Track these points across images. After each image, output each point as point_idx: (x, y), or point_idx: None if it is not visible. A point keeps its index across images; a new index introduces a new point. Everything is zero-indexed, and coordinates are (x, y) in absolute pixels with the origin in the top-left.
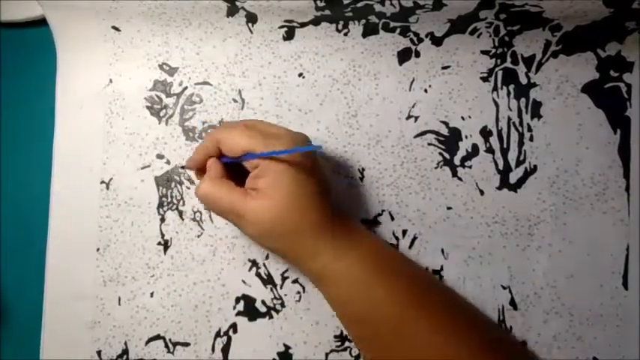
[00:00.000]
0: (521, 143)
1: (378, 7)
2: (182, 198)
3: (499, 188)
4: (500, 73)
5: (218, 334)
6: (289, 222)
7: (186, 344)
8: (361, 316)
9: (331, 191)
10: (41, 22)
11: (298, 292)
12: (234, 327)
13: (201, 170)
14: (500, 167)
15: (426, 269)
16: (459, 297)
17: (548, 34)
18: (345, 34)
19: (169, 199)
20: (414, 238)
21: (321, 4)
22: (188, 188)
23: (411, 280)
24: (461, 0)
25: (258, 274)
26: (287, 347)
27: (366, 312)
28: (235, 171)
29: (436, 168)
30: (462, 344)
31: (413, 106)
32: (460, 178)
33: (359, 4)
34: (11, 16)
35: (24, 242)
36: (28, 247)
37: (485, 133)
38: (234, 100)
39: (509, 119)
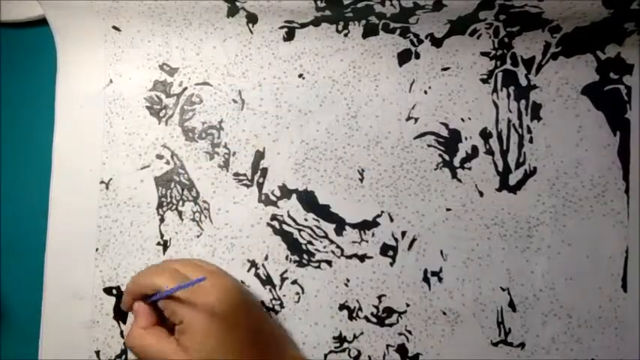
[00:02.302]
0: (520, 145)
1: (378, 8)
2: (181, 198)
3: (499, 190)
4: (500, 75)
5: None
6: None
7: None
8: None
9: (264, 321)
10: (41, 22)
11: (297, 293)
12: None
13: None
14: (500, 169)
15: (425, 271)
16: None
17: (548, 36)
18: (345, 35)
19: (169, 200)
20: (413, 240)
21: (322, 5)
22: (189, 190)
23: None
24: (461, 0)
25: (257, 275)
26: None
27: None
28: None
29: (435, 169)
30: None
31: (413, 108)
32: (459, 180)
33: (359, 5)
34: (11, 16)
35: (23, 242)
36: (26, 246)
37: (485, 134)
38: (234, 101)
39: (509, 121)
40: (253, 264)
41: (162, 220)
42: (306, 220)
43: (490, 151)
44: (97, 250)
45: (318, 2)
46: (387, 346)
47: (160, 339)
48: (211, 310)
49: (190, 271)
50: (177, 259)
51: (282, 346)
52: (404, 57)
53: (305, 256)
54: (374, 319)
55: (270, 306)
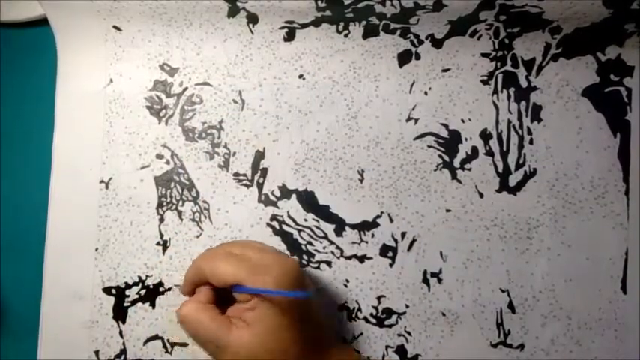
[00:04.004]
0: (520, 146)
1: (378, 8)
2: (181, 198)
3: (498, 191)
4: (500, 76)
5: None
6: None
7: (184, 344)
8: None
9: (321, 309)
10: (41, 22)
11: None
12: None
13: None
14: (500, 170)
15: (425, 272)
16: None
17: (548, 37)
18: (346, 36)
19: (168, 200)
20: (413, 241)
21: (322, 5)
22: (189, 190)
23: None
24: (461, 0)
25: None
26: None
27: None
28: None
29: (435, 170)
30: None
31: (413, 109)
32: (459, 181)
33: (360, 5)
34: (11, 16)
35: (22, 241)
36: (26, 245)
37: (485, 135)
38: (234, 101)
39: (509, 122)
40: None
41: (161, 220)
42: (305, 220)
43: (490, 153)
44: (96, 249)
45: (319, 2)
46: (387, 346)
47: (214, 316)
48: (280, 285)
49: (249, 252)
50: (237, 241)
51: (334, 336)
52: (404, 58)
53: (305, 257)
54: (373, 320)
55: None
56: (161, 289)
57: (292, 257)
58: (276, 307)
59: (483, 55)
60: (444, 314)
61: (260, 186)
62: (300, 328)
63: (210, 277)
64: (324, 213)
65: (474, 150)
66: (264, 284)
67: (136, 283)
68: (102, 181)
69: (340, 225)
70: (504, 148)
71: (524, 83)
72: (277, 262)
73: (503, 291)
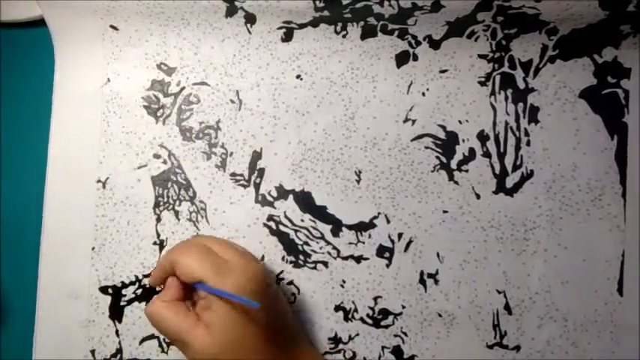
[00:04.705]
0: (518, 148)
1: (376, 8)
2: (178, 198)
3: (495, 192)
4: (498, 78)
5: None
6: None
7: None
8: None
9: (286, 314)
10: (41, 22)
11: (293, 294)
12: None
13: None
14: (497, 171)
15: (421, 273)
16: None
17: (545, 38)
18: (344, 36)
19: (165, 199)
20: (410, 242)
21: (320, 5)
22: (186, 190)
23: None
24: (459, 0)
25: None
26: None
27: None
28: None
29: (433, 171)
30: None
31: (410, 109)
32: (456, 182)
33: (358, 5)
34: (11, 16)
35: (19, 240)
36: (23, 245)
37: (482, 137)
38: (232, 101)
39: (507, 124)
40: None
41: (158, 219)
42: (302, 220)
43: (487, 154)
44: (93, 249)
45: (317, 2)
46: (383, 347)
47: (179, 313)
48: (239, 290)
49: (220, 250)
50: (209, 236)
51: (300, 337)
52: (402, 59)
53: (301, 257)
54: (369, 321)
55: None
56: (157, 288)
57: (259, 262)
58: (235, 311)
59: (481, 56)
60: (440, 315)
61: (257, 186)
62: (262, 335)
63: (178, 270)
64: (321, 213)
65: (471, 151)
66: (224, 286)
67: (132, 283)
68: (99, 181)
69: (337, 225)
70: (501, 150)
71: (521, 85)
72: (243, 266)
73: (499, 292)
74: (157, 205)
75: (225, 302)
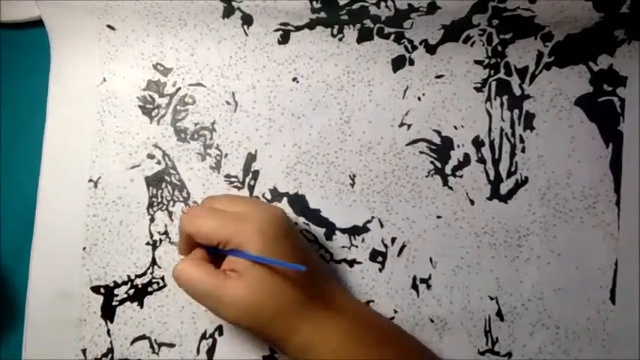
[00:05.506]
0: (513, 154)
1: (373, 10)
2: (172, 199)
3: (489, 199)
4: (494, 84)
5: (204, 336)
6: (266, 307)
7: (172, 345)
8: None
9: (311, 256)
10: (41, 23)
11: None
12: (219, 329)
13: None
14: (492, 178)
15: (414, 278)
16: None
17: (540, 44)
18: (340, 40)
19: (159, 200)
20: (403, 246)
21: (317, 6)
22: (180, 191)
23: (395, 351)
24: (455, 1)
25: None
26: (273, 351)
27: None
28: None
29: (427, 176)
30: None
31: (406, 114)
32: (451, 188)
33: (354, 6)
34: (11, 17)
35: (12, 238)
36: (15, 243)
37: (477, 143)
38: (227, 103)
39: (502, 130)
40: None
41: (152, 220)
42: (296, 223)
43: (482, 160)
44: (84, 248)
45: (314, 3)
46: None
47: (207, 270)
48: (263, 235)
49: (227, 205)
50: (217, 196)
51: (330, 277)
52: (398, 63)
53: None
54: None
55: None
56: (150, 289)
57: (278, 207)
58: (258, 242)
59: (477, 62)
60: (432, 320)
61: (251, 188)
62: (295, 274)
63: (197, 237)
64: (314, 216)
65: (466, 157)
66: (245, 235)
67: (124, 283)
68: (90, 180)
69: (330, 229)
70: (496, 156)
71: (517, 91)
72: (255, 208)
73: (492, 298)
74: (150, 205)
75: (251, 242)
